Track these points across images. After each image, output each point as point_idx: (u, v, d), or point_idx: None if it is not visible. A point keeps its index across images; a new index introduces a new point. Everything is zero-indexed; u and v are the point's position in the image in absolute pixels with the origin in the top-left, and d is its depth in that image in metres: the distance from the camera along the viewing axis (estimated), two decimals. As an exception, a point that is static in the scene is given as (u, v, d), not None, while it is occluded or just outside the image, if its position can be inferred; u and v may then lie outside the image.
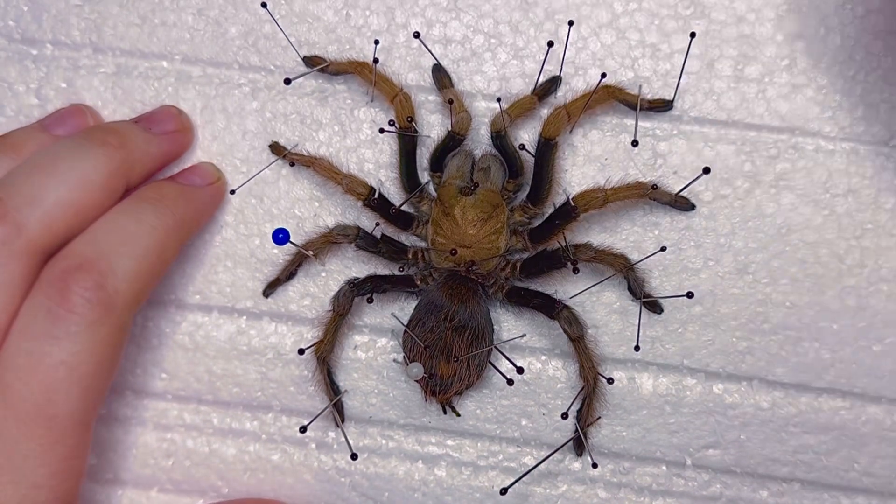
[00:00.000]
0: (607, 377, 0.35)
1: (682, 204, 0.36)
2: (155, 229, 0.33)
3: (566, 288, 0.37)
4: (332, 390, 0.37)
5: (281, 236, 0.34)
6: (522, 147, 0.35)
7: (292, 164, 0.37)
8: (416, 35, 0.36)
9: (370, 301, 0.36)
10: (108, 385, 0.32)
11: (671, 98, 0.36)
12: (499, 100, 0.35)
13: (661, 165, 0.37)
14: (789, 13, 0.36)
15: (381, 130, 0.36)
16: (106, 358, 0.31)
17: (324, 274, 0.38)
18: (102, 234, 0.32)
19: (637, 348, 0.36)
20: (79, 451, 0.31)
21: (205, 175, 0.37)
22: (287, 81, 0.36)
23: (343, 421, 0.38)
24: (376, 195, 0.36)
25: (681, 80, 0.36)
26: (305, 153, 0.37)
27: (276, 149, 0.38)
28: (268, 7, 0.37)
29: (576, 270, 0.34)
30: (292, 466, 0.38)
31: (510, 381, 0.35)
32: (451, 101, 0.35)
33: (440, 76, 0.36)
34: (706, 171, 0.34)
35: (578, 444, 0.37)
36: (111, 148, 0.34)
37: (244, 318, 0.38)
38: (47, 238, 0.32)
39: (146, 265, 0.32)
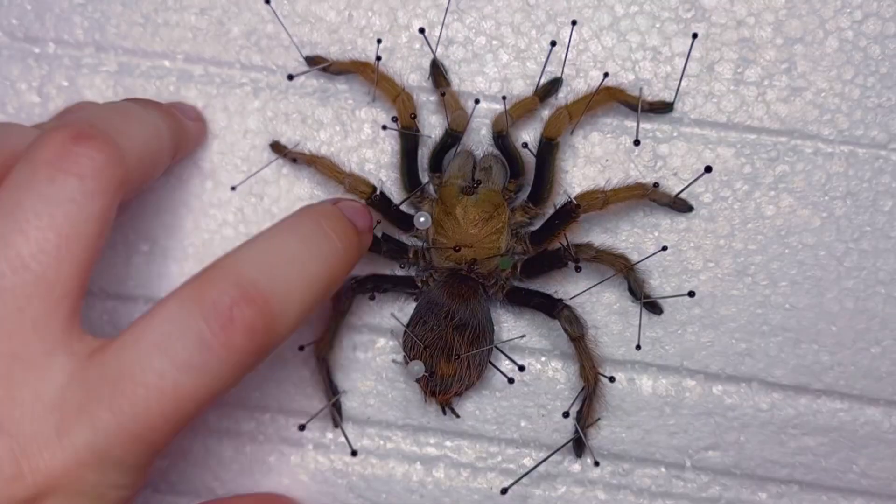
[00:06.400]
0: (608, 376, 0.35)
1: (680, 206, 0.36)
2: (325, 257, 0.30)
3: (566, 288, 0.37)
4: (331, 390, 0.37)
5: None
6: (525, 145, 0.35)
7: (294, 161, 0.37)
8: (422, 31, 0.36)
9: (372, 298, 0.36)
10: None
11: (672, 100, 0.36)
12: (504, 98, 0.35)
13: (661, 167, 0.37)
14: (789, 17, 0.36)
15: (384, 127, 0.36)
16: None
17: (324, 273, 0.38)
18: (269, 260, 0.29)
19: (639, 347, 0.36)
20: None
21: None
22: (290, 77, 0.36)
23: (342, 421, 0.38)
24: (378, 194, 0.36)
25: (681, 83, 0.36)
26: (307, 152, 0.37)
27: (276, 148, 0.38)
28: (271, 5, 0.37)
29: (578, 269, 0.35)
30: (289, 467, 0.38)
31: (511, 380, 0.34)
32: (443, 94, 0.35)
33: (437, 75, 0.36)
34: (708, 169, 0.34)
35: (578, 446, 0.36)
36: (172, 119, 0.35)
37: (243, 317, 0.38)
38: (133, 177, 0.30)
39: (310, 295, 0.30)
